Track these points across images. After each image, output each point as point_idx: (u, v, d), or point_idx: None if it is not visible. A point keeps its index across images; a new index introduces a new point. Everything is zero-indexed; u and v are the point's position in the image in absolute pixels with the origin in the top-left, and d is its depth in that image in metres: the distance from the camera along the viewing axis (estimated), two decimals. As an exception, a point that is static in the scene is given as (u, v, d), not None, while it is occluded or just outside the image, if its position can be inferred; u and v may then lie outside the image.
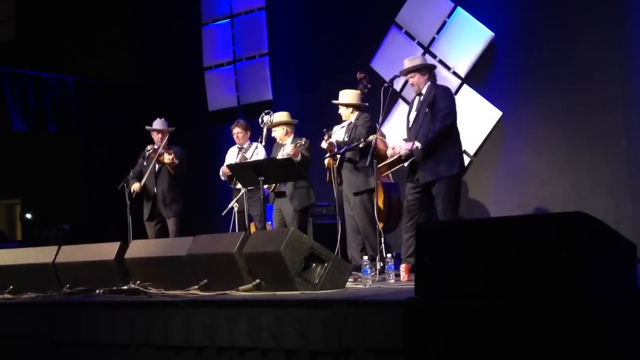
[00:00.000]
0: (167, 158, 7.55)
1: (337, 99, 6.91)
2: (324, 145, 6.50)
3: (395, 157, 6.10)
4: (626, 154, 7.27)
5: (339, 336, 3.62)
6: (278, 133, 7.11)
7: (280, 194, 6.99)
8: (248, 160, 7.12)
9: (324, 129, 6.60)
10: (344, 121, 6.79)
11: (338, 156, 6.48)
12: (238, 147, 7.61)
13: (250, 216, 7.11)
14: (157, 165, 7.69)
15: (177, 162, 7.57)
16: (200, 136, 10.27)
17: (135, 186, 7.61)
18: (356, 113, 6.65)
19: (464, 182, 7.13)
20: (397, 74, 6.34)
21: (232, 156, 7.63)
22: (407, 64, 6.17)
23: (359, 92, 6.72)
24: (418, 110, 6.10)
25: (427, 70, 6.14)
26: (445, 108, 5.92)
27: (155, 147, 7.70)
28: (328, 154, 6.55)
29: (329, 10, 9.41)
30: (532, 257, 3.06)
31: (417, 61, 6.20)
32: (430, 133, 5.88)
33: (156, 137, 7.81)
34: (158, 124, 7.84)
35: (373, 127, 6.41)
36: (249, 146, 7.52)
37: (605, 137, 7.36)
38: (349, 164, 6.48)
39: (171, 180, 7.73)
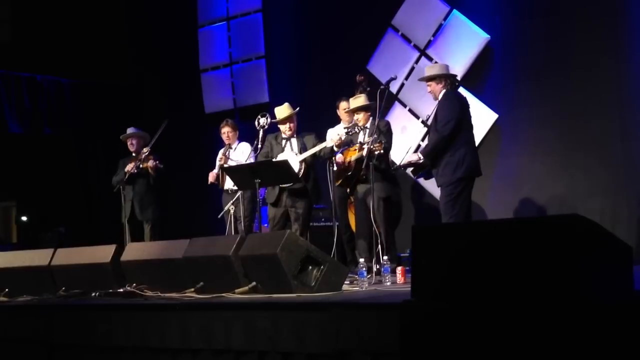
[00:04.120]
0: (152, 163, 7.65)
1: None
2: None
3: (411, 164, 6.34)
4: (622, 156, 7.29)
5: (336, 339, 3.61)
6: (286, 127, 6.87)
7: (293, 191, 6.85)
8: (244, 162, 7.10)
9: (338, 133, 6.58)
10: (350, 124, 6.72)
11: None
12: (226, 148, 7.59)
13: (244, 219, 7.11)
14: (135, 170, 7.74)
15: (161, 166, 7.68)
16: (197, 138, 10.25)
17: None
18: (371, 118, 6.62)
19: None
20: (393, 76, 6.44)
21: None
22: (426, 72, 6.30)
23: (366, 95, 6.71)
24: (433, 118, 6.31)
25: (442, 79, 6.15)
26: (443, 119, 6.03)
27: (135, 153, 7.88)
28: (352, 158, 6.49)
29: (325, 13, 9.40)
30: (529, 260, 3.07)
31: (433, 70, 6.26)
32: (429, 145, 6.15)
33: (131, 143, 8.01)
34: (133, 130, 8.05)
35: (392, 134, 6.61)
36: (237, 146, 7.53)
37: (600, 140, 7.38)
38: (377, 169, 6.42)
39: (148, 186, 7.85)
